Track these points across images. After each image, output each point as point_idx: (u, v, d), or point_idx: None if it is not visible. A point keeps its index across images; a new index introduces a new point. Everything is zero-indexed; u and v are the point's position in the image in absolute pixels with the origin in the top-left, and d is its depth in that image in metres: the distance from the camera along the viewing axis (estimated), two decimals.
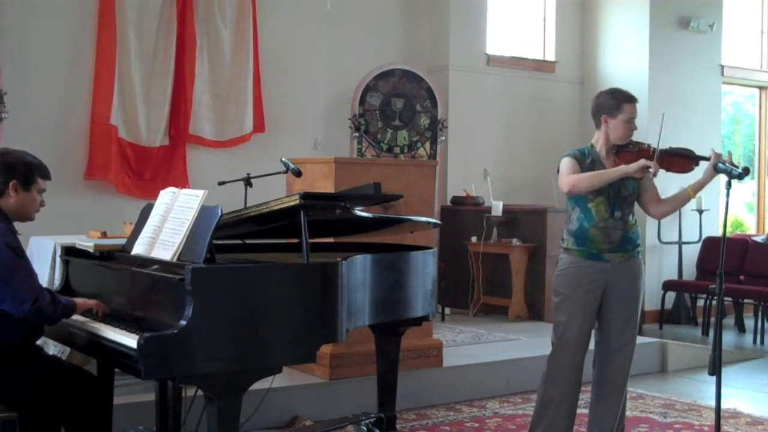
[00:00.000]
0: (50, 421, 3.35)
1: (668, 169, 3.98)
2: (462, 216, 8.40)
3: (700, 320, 8.69)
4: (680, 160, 3.98)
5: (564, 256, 4.05)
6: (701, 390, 6.00)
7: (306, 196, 3.35)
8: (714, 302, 7.69)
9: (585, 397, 4.26)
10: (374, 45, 8.62)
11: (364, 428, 4.21)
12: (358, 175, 5.06)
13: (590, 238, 3.94)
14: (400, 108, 8.47)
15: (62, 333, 3.51)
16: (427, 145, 8.52)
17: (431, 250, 4.27)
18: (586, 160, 3.96)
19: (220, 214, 3.18)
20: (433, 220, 4.53)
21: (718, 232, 8.99)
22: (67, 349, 4.25)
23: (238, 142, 7.73)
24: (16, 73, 6.71)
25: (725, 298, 7.98)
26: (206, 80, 7.56)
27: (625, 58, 9.30)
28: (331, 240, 4.57)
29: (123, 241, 3.68)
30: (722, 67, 9.73)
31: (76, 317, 3.40)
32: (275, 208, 3.42)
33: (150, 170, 7.27)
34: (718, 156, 3.83)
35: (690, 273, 9.07)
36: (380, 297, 3.78)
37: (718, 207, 9.15)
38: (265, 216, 3.51)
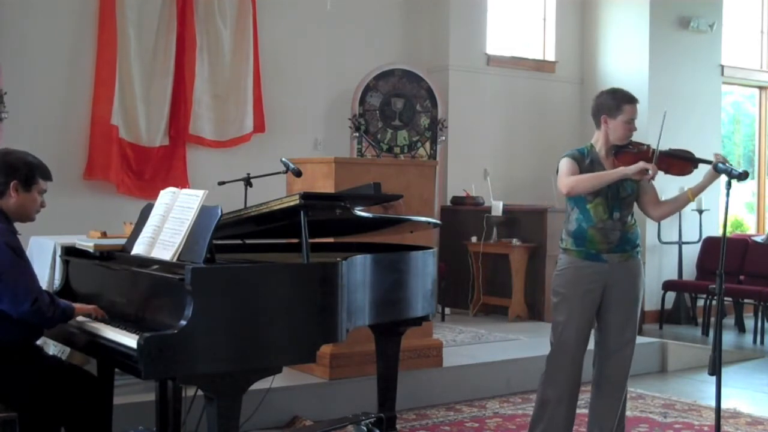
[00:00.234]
0: (50, 421, 3.35)
1: (667, 171, 3.98)
2: (462, 216, 8.40)
3: (700, 320, 8.69)
4: (679, 162, 3.98)
5: (563, 256, 4.05)
6: (701, 390, 6.00)
7: (306, 196, 3.35)
8: (714, 302, 7.69)
9: (585, 397, 4.26)
10: (374, 45, 8.62)
11: (364, 428, 4.21)
12: (358, 175, 5.06)
13: (589, 239, 3.94)
14: (400, 108, 8.47)
15: (62, 333, 3.51)
16: (427, 145, 8.52)
17: (431, 250, 4.27)
18: (585, 161, 3.96)
19: (220, 214, 3.18)
20: (433, 220, 4.53)
21: (718, 232, 8.99)
22: (67, 349, 4.25)
23: (238, 142, 7.73)
24: (16, 73, 6.71)
25: (725, 298, 7.98)
26: (206, 80, 7.56)
27: (625, 58, 9.30)
28: (331, 240, 4.57)
29: (123, 241, 3.68)
30: (722, 67, 9.73)
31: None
32: (275, 208, 3.42)
33: (150, 170, 7.27)
34: (718, 157, 3.83)
35: (690, 273, 9.07)
36: (380, 297, 3.78)
37: (718, 207, 9.14)
38: (265, 216, 3.51)
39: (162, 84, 7.31)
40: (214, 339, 2.98)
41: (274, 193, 4.14)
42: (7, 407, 3.19)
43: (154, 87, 7.30)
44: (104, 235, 4.47)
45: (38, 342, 3.54)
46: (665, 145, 4.01)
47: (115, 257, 3.65)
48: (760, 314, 8.08)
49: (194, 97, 7.47)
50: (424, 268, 4.13)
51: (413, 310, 4.06)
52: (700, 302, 8.82)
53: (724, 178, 3.83)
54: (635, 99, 3.96)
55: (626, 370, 4.06)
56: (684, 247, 9.05)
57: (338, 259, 3.39)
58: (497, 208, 7.96)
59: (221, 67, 7.62)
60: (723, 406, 3.93)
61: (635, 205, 4.07)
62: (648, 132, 5.34)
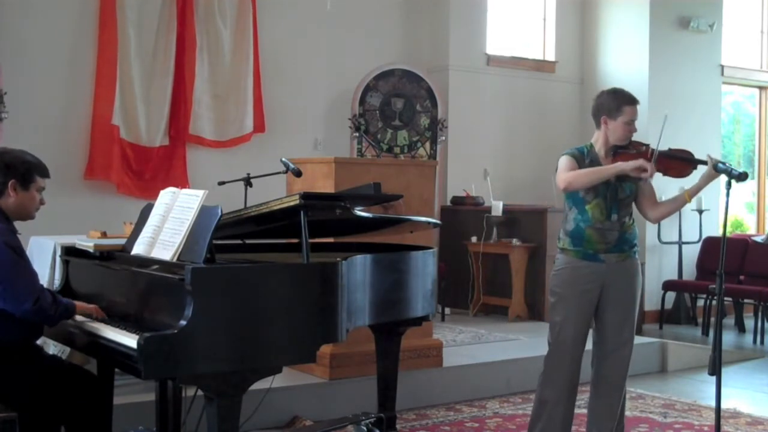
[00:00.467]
0: (50, 421, 3.35)
1: (665, 173, 3.97)
2: (462, 216, 8.40)
3: (700, 320, 8.69)
4: (678, 164, 3.97)
5: (560, 256, 4.05)
6: (701, 390, 6.00)
7: (306, 196, 3.35)
8: (714, 302, 7.69)
9: (585, 397, 4.26)
10: (374, 45, 8.62)
11: (364, 428, 4.21)
12: (358, 175, 5.06)
13: (586, 239, 3.94)
14: (400, 108, 8.47)
15: (62, 333, 3.51)
16: (427, 145, 8.52)
17: (431, 250, 4.27)
18: (584, 160, 3.96)
19: (220, 214, 3.18)
20: (433, 220, 4.53)
21: (718, 232, 8.99)
22: (67, 349, 4.24)
23: (238, 142, 7.73)
24: (16, 73, 6.71)
25: (725, 298, 7.98)
26: (206, 80, 7.56)
27: (625, 58, 9.30)
28: (331, 240, 4.57)
29: (123, 241, 3.68)
30: (722, 67, 9.73)
31: (75, 316, 3.40)
32: (275, 208, 3.42)
33: (150, 170, 7.27)
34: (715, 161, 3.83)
35: (690, 273, 9.07)
36: (380, 297, 3.78)
37: (718, 207, 9.14)
38: (265, 216, 3.51)
39: (162, 84, 7.31)
40: (214, 339, 2.98)
41: (274, 193, 4.14)
42: (7, 407, 3.19)
43: (154, 87, 7.30)
44: (104, 235, 4.47)
45: (38, 342, 3.54)
46: (665, 147, 4.01)
47: (115, 257, 3.65)
48: (760, 314, 8.08)
49: (194, 97, 7.47)
50: (424, 268, 4.13)
51: (413, 310, 4.06)
52: (700, 302, 8.83)
53: (722, 178, 3.83)
54: (636, 100, 3.95)
55: (624, 370, 4.06)
56: (684, 247, 9.05)
57: (338, 259, 3.39)
58: (497, 208, 7.96)
59: (221, 67, 7.62)
60: (723, 406, 3.93)
61: (633, 205, 4.07)
62: (648, 132, 5.35)
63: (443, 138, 8.51)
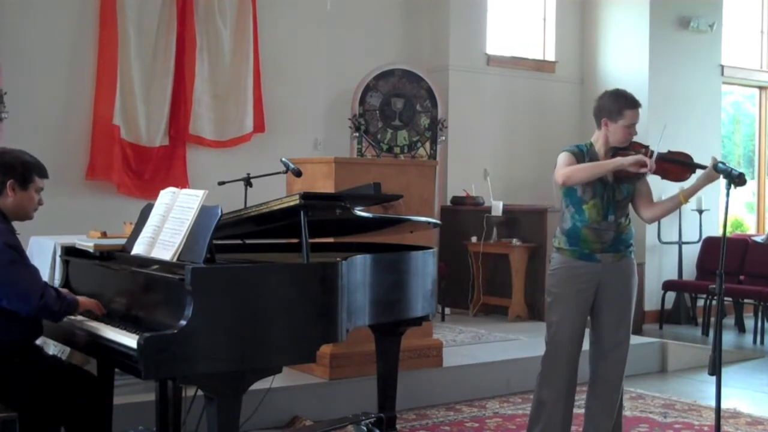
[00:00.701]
0: (50, 421, 3.35)
1: (664, 177, 3.97)
2: (462, 216, 8.40)
3: (700, 320, 8.69)
4: (677, 167, 3.96)
5: (556, 255, 4.05)
6: (701, 390, 6.00)
7: (306, 196, 3.35)
8: (714, 302, 7.69)
9: (584, 397, 4.26)
10: (374, 45, 8.62)
11: (364, 428, 4.21)
12: (358, 175, 5.05)
13: (582, 238, 3.94)
14: (400, 108, 8.47)
15: (62, 333, 3.51)
16: (427, 145, 8.52)
17: (431, 250, 4.27)
18: (584, 158, 3.95)
19: (220, 214, 3.18)
20: (433, 220, 4.53)
21: (718, 232, 8.99)
22: (67, 349, 4.25)
23: (238, 142, 7.73)
24: (16, 73, 6.71)
25: (725, 298, 7.98)
26: (206, 80, 7.56)
27: (625, 58, 9.30)
28: (331, 240, 4.57)
29: (123, 241, 3.68)
30: (722, 67, 9.73)
31: (75, 316, 3.41)
32: (275, 208, 3.42)
33: (150, 170, 7.27)
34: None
35: (690, 273, 9.07)
36: (380, 297, 3.78)
37: (718, 207, 9.15)
38: (265, 216, 3.51)
39: (162, 84, 7.31)
40: (214, 339, 2.98)
41: (274, 193, 4.14)
42: (7, 407, 3.19)
43: (154, 87, 7.30)
44: (104, 235, 4.47)
45: (38, 342, 3.54)
46: (664, 145, 4.01)
47: (115, 257, 3.66)
48: (760, 314, 8.08)
49: (194, 97, 7.47)
50: (424, 268, 4.13)
51: (413, 310, 4.06)
52: (700, 302, 8.83)
53: (715, 182, 3.84)
54: (638, 103, 3.93)
55: (621, 369, 4.05)
56: (684, 247, 9.05)
57: (338, 259, 3.39)
58: (497, 208, 7.96)
59: (221, 67, 7.62)
60: (723, 406, 3.93)
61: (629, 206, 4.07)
62: (648, 133, 5.35)
63: (443, 138, 8.51)
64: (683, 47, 9.28)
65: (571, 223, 3.97)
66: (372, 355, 4.50)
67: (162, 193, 3.52)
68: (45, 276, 4.49)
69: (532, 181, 8.98)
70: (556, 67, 9.53)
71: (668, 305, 8.84)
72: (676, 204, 4.02)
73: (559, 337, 3.99)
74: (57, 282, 4.27)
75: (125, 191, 7.11)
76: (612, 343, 4.03)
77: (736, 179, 3.68)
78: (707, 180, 3.86)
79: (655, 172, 3.89)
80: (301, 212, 3.35)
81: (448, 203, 8.57)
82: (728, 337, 8.15)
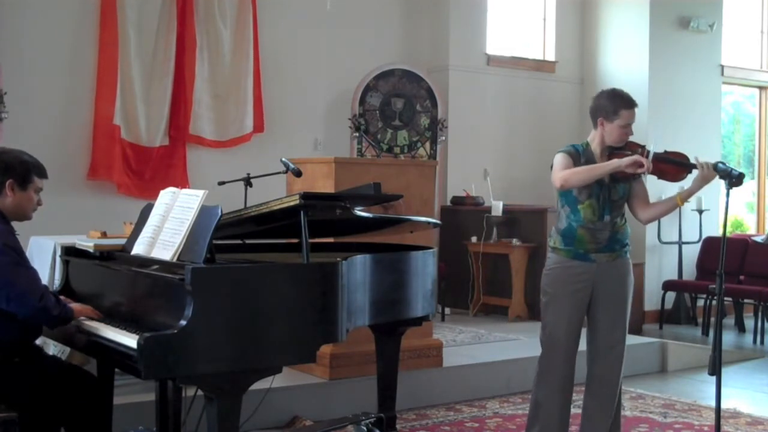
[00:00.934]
0: (50, 421, 3.35)
1: (660, 177, 3.97)
2: (462, 216, 8.40)
3: (700, 320, 8.70)
4: (673, 168, 3.96)
5: (551, 255, 4.05)
6: (701, 390, 6.00)
7: (306, 196, 3.35)
8: (714, 302, 7.70)
9: (581, 397, 4.26)
10: (374, 45, 8.62)
11: (364, 428, 4.21)
12: (358, 175, 5.05)
13: (577, 238, 3.93)
14: (400, 108, 8.47)
15: (62, 333, 3.50)
16: (427, 145, 8.52)
17: (431, 250, 4.27)
18: (580, 159, 3.95)
19: (220, 214, 3.18)
20: (433, 220, 4.53)
21: (718, 232, 9.00)
22: (67, 349, 4.24)
23: (238, 142, 7.73)
24: (16, 73, 6.71)
25: (725, 298, 7.98)
26: (206, 80, 7.56)
27: (625, 58, 9.30)
28: (331, 240, 4.57)
29: (123, 241, 3.68)
30: (722, 67, 9.73)
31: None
32: (275, 208, 3.42)
33: (150, 170, 7.28)
34: (707, 165, 3.82)
35: (690, 273, 9.07)
36: (380, 297, 3.78)
37: (718, 207, 9.15)
38: (265, 216, 3.51)
39: (162, 84, 7.32)
40: (214, 339, 2.98)
41: (274, 193, 4.14)
42: (7, 407, 3.19)
43: (154, 87, 7.30)
44: (104, 235, 4.47)
45: (38, 342, 3.55)
46: (663, 145, 4.01)
47: (115, 257, 3.66)
48: (760, 314, 8.08)
49: (194, 97, 7.47)
50: (424, 268, 4.13)
51: (413, 310, 4.06)
52: (700, 302, 8.83)
53: (717, 180, 3.84)
54: (634, 103, 3.92)
55: (618, 369, 4.04)
56: (684, 247, 9.05)
57: (338, 259, 3.39)
58: (497, 208, 7.96)
59: (221, 67, 7.62)
60: (723, 406, 3.93)
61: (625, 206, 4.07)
62: (647, 132, 5.34)
63: (443, 138, 8.51)
64: (683, 47, 9.28)
65: (567, 222, 3.97)
66: (372, 355, 4.50)
67: (162, 193, 3.52)
68: (45, 276, 4.50)
69: (532, 181, 8.98)
70: (556, 67, 9.53)
71: (668, 305, 8.84)
72: (672, 206, 4.02)
73: (554, 338, 3.99)
74: (57, 282, 4.28)
75: (125, 191, 7.11)
76: (608, 343, 4.02)
77: (735, 180, 3.68)
78: (703, 182, 3.85)
79: (651, 173, 3.89)
80: (301, 212, 3.35)
81: (448, 203, 8.57)
82: (728, 337, 8.15)
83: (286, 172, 4.96)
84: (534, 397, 4.09)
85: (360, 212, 3.73)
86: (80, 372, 3.47)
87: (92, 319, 3.38)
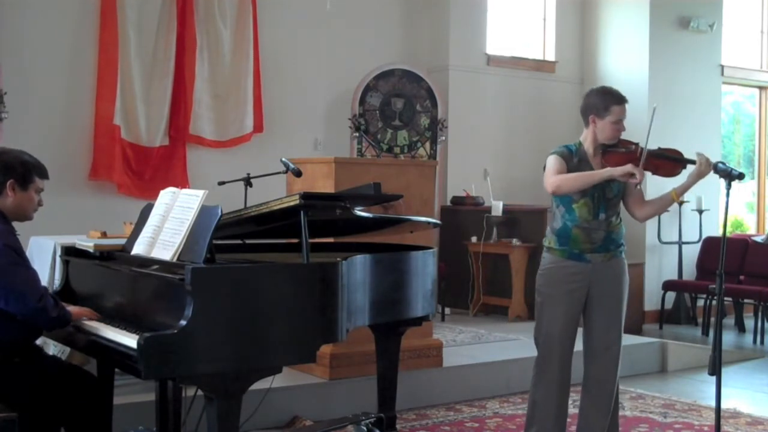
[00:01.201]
0: (50, 421, 3.35)
1: (654, 172, 3.97)
2: (462, 216, 8.40)
3: (700, 320, 8.70)
4: (667, 163, 3.96)
5: (546, 255, 4.04)
6: (701, 390, 6.00)
7: (306, 196, 3.35)
8: (714, 302, 7.70)
9: (579, 397, 4.26)
10: (374, 45, 8.62)
11: (364, 428, 4.21)
12: (358, 175, 5.05)
13: (572, 238, 3.93)
14: (400, 108, 8.47)
15: (62, 333, 3.50)
16: (427, 145, 8.52)
17: (431, 250, 4.27)
18: (573, 159, 3.95)
19: (220, 214, 3.18)
20: (433, 220, 4.53)
21: (718, 232, 9.00)
22: (67, 349, 4.25)
23: (238, 142, 7.73)
24: (16, 73, 6.71)
25: (725, 298, 7.98)
26: (206, 80, 7.56)
27: (625, 58, 9.30)
28: (331, 240, 4.57)
29: (123, 241, 3.68)
30: (722, 67, 9.73)
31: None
32: (275, 208, 3.42)
33: (150, 170, 7.28)
34: (708, 161, 3.82)
35: (690, 273, 9.07)
36: (380, 297, 3.78)
37: (718, 207, 9.15)
38: (265, 216, 3.51)
39: (162, 84, 7.31)
40: (214, 339, 2.98)
41: (274, 193, 4.14)
42: (7, 407, 3.19)
43: (154, 87, 7.30)
44: (104, 235, 4.47)
45: (38, 342, 3.55)
46: (660, 145, 4.01)
47: (115, 257, 3.66)
48: (760, 314, 8.08)
49: (194, 97, 7.47)
50: (424, 268, 4.13)
51: (413, 310, 4.06)
52: (700, 302, 8.83)
53: (712, 177, 3.84)
54: (624, 99, 3.93)
55: (613, 369, 4.03)
56: (684, 247, 9.05)
57: (338, 259, 3.39)
58: (497, 208, 7.96)
59: (221, 67, 7.62)
60: (723, 406, 3.93)
61: (621, 205, 4.06)
62: (646, 131, 5.32)
63: (443, 138, 8.51)
64: (683, 47, 9.28)
65: (562, 222, 3.97)
66: (372, 355, 4.50)
67: (162, 193, 3.52)
68: (45, 276, 4.50)
69: (532, 181, 8.95)
70: (556, 67, 9.53)
71: (668, 305, 8.84)
72: (668, 202, 4.02)
73: (550, 338, 3.99)
74: (57, 282, 4.28)
75: (125, 191, 7.11)
76: (604, 343, 4.02)
77: (736, 179, 3.69)
78: (698, 176, 3.86)
79: (646, 168, 3.89)
80: (301, 212, 3.35)
81: (448, 203, 8.57)
82: (728, 337, 8.15)
83: (286, 172, 4.96)
84: (531, 398, 4.09)
85: (360, 212, 3.73)
86: (80, 372, 3.47)
87: (92, 319, 3.38)
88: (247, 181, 5.38)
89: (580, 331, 4.09)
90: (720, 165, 3.78)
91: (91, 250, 3.73)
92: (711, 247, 8.85)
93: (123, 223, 4.66)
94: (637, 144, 3.95)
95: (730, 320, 8.66)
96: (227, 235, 3.88)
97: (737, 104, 11.07)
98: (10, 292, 3.19)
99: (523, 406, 5.35)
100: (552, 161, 3.93)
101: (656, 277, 8.94)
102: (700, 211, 9.05)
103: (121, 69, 7.10)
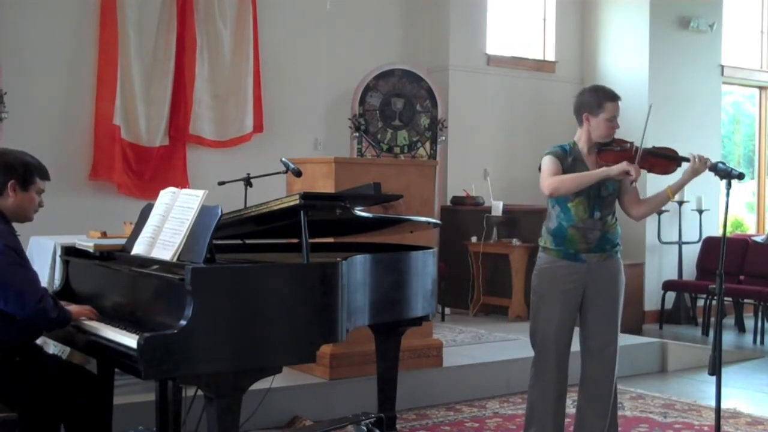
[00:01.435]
0: (50, 420, 3.35)
1: (650, 170, 3.98)
2: (462, 216, 8.40)
3: (700, 320, 8.70)
4: (663, 161, 3.97)
5: (542, 254, 4.05)
6: (701, 390, 6.00)
7: (306, 196, 3.35)
8: (714, 302, 7.70)
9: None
10: (374, 45, 8.62)
11: (364, 428, 4.21)
12: (358, 175, 5.05)
13: (568, 238, 3.93)
14: (400, 108, 8.47)
15: (62, 333, 3.50)
16: (427, 145, 8.52)
17: (431, 250, 4.27)
18: (567, 159, 3.95)
19: (220, 214, 3.18)
20: (433, 220, 4.53)
21: (718, 232, 9.00)
22: (67, 349, 4.24)
23: (238, 142, 7.73)
24: (16, 73, 6.71)
25: (725, 298, 7.98)
26: (206, 80, 7.56)
27: (625, 58, 9.30)
28: (331, 240, 4.57)
29: (123, 241, 3.68)
30: (722, 67, 9.73)
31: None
32: (275, 208, 3.42)
33: (150, 170, 7.28)
34: (701, 159, 3.83)
35: (690, 273, 9.07)
36: (380, 297, 3.78)
37: (718, 207, 9.15)
38: (265, 216, 3.51)
39: (162, 84, 7.31)
40: (214, 339, 2.98)
41: (274, 193, 4.14)
42: (7, 407, 3.19)
43: (154, 87, 7.30)
44: (104, 235, 4.47)
45: (38, 341, 3.54)
46: (658, 144, 4.01)
47: (115, 257, 3.66)
48: (760, 314, 8.08)
49: (194, 97, 7.47)
50: (424, 268, 4.13)
51: (413, 310, 4.06)
52: (700, 302, 8.83)
53: (707, 174, 3.85)
54: (617, 96, 3.93)
55: (610, 370, 4.03)
56: (684, 247, 9.05)
57: (338, 259, 3.39)
58: (497, 208, 7.96)
59: (221, 67, 7.62)
60: (723, 406, 3.94)
61: (616, 204, 4.06)
62: (647, 132, 5.31)
63: (443, 138, 8.51)
64: (683, 47, 9.28)
65: (557, 222, 3.97)
66: (372, 355, 4.50)
67: (162, 193, 3.52)
68: (45, 276, 4.50)
69: (532, 181, 8.84)
70: (556, 67, 9.53)
71: (668, 305, 8.84)
72: (663, 199, 4.03)
73: (546, 339, 3.99)
74: (57, 282, 4.28)
75: (125, 191, 7.11)
76: (600, 343, 4.01)
77: (736, 179, 3.69)
78: (693, 174, 3.87)
79: (641, 166, 3.89)
80: (301, 212, 3.35)
81: (448, 203, 8.57)
82: (728, 337, 8.15)
83: (286, 172, 4.96)
84: (529, 399, 4.09)
85: (360, 212, 3.73)
86: (80, 371, 3.47)
87: (92, 319, 3.38)
88: (247, 181, 5.38)
89: (577, 331, 4.08)
90: (720, 165, 3.78)
91: (91, 250, 3.73)
92: (711, 247, 8.85)
93: (123, 223, 4.66)
94: (632, 143, 3.96)
95: (730, 320, 8.66)
96: (227, 235, 3.88)
97: (737, 104, 11.07)
98: (9, 292, 3.19)
99: (522, 406, 5.34)
100: (547, 162, 3.94)
101: (656, 277, 8.94)
102: (700, 211, 9.05)
103: (121, 69, 7.10)
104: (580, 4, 9.68)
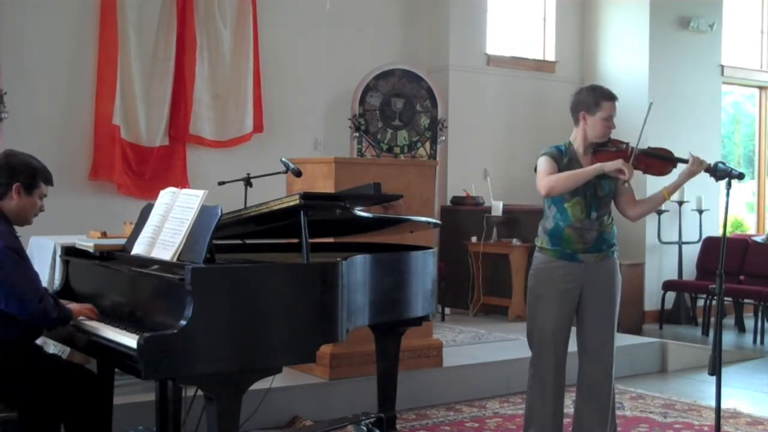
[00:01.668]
0: (50, 420, 3.35)
1: (645, 171, 3.98)
2: (462, 216, 8.40)
3: (700, 320, 8.70)
4: (658, 162, 3.97)
5: (538, 255, 4.04)
6: (701, 390, 6.00)
7: (306, 196, 3.35)
8: (714, 302, 7.70)
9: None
10: (374, 45, 8.62)
11: (364, 428, 4.21)
12: (358, 175, 5.05)
13: (565, 238, 3.93)
14: (400, 108, 8.47)
15: (62, 333, 3.50)
16: (427, 145, 8.52)
17: (431, 250, 4.27)
18: (563, 159, 3.96)
19: (220, 214, 3.18)
20: (433, 220, 4.53)
21: (718, 232, 9.00)
22: (67, 349, 4.24)
23: (238, 142, 7.73)
24: (16, 73, 6.71)
25: (725, 298, 7.98)
26: (206, 80, 7.56)
27: (625, 58, 9.30)
28: (331, 240, 4.57)
29: (123, 241, 3.68)
30: (722, 67, 9.73)
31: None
32: (275, 208, 3.42)
33: (150, 170, 7.27)
34: (698, 160, 3.82)
35: (690, 273, 9.07)
36: (380, 297, 3.78)
37: (718, 207, 9.15)
38: (265, 216, 3.51)
39: (162, 84, 7.31)
40: (214, 339, 2.98)
41: (274, 193, 4.14)
42: (7, 407, 3.19)
43: (154, 87, 7.30)
44: (104, 235, 4.47)
45: (38, 342, 3.55)
46: (663, 144, 4.01)
47: (115, 257, 3.66)
48: (760, 314, 8.08)
49: (194, 97, 7.47)
50: (424, 268, 4.13)
51: (413, 310, 4.06)
52: (700, 302, 8.83)
53: (704, 176, 3.85)
54: (615, 96, 3.94)
55: (607, 370, 4.03)
56: (684, 247, 9.05)
57: (338, 259, 3.39)
58: (497, 208, 7.96)
59: (221, 67, 7.62)
60: (723, 406, 3.94)
61: (612, 204, 4.06)
62: (647, 133, 5.31)
63: (443, 138, 8.51)
64: (683, 47, 9.28)
65: (554, 222, 3.97)
66: (372, 355, 4.50)
67: (162, 193, 3.52)
68: (45, 276, 4.50)
69: (532, 181, 8.74)
70: (556, 67, 9.53)
71: (668, 305, 8.84)
72: (659, 200, 4.04)
73: (543, 339, 3.99)
74: (57, 282, 4.28)
75: (125, 191, 7.11)
76: (597, 343, 4.01)
77: (736, 179, 3.69)
78: (690, 175, 3.87)
79: (637, 167, 3.89)
80: (301, 212, 3.35)
81: (448, 203, 8.57)
82: (728, 337, 8.15)
83: (286, 172, 4.96)
84: (528, 400, 4.09)
85: (360, 212, 3.73)
86: (80, 371, 3.47)
87: (92, 318, 3.38)
88: (247, 181, 5.38)
89: (573, 331, 4.08)
90: (720, 165, 3.78)
91: (91, 250, 3.73)
92: (711, 247, 8.85)
93: (123, 223, 4.66)
94: (627, 143, 3.97)
95: (730, 320, 8.66)
96: (227, 235, 3.88)
97: (737, 104, 11.07)
98: (10, 293, 3.19)
99: (522, 406, 5.34)
100: (543, 163, 3.95)
101: (656, 277, 8.93)
102: (700, 211, 9.05)
103: (120, 69, 7.10)
104: (580, 4, 9.69)
